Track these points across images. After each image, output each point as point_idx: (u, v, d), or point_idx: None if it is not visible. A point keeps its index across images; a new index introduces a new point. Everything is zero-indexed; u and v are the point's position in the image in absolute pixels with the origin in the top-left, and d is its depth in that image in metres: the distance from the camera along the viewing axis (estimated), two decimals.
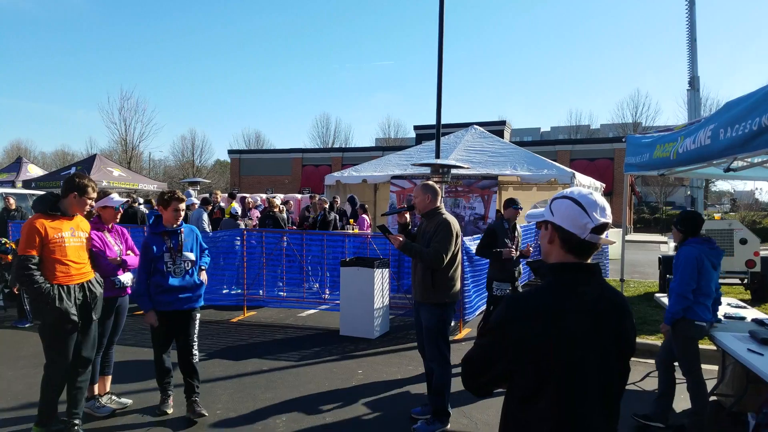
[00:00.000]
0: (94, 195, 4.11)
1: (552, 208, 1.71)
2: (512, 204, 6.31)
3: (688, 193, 12.59)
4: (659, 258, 10.80)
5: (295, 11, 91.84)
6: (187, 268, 4.48)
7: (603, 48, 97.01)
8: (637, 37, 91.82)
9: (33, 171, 18.42)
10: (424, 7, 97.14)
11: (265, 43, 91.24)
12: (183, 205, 4.51)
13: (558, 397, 1.53)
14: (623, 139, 8.42)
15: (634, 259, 16.27)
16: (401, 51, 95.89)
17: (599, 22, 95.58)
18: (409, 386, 5.38)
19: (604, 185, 16.70)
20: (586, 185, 13.81)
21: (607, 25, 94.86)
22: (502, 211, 6.49)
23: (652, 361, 6.08)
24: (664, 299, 6.07)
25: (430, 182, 4.65)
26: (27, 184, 16.08)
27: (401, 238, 4.40)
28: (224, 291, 8.80)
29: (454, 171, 10.56)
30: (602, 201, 1.66)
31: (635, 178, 30.18)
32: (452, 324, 7.10)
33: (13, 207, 10.57)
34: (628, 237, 19.05)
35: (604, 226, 1.63)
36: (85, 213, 4.34)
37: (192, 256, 4.52)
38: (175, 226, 4.47)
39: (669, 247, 11.32)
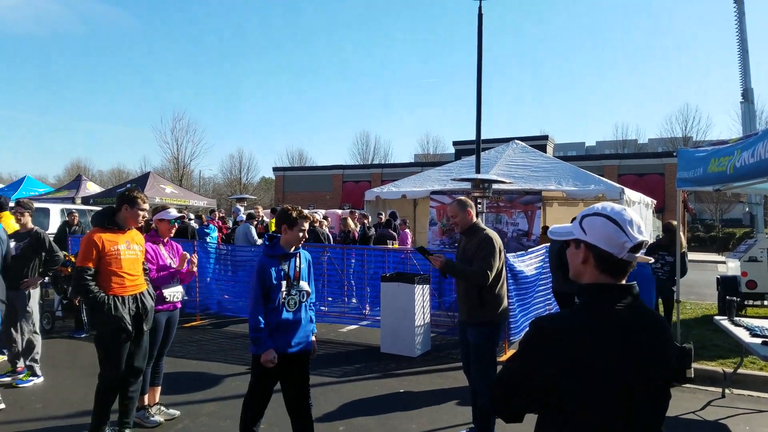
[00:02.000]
0: (146, 206, 4.25)
1: (584, 225, 1.61)
2: None
3: (747, 209, 12.04)
4: (717, 278, 10.29)
5: (338, 34, 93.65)
6: (302, 300, 3.78)
7: (649, 60, 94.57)
8: (685, 49, 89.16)
9: (91, 188, 19.29)
10: (466, 23, 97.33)
11: (308, 64, 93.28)
12: (308, 225, 3.84)
13: (584, 424, 1.45)
14: (674, 154, 8.16)
15: (689, 279, 15.57)
16: (444, 67, 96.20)
17: (645, 34, 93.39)
18: (454, 407, 5.29)
19: (654, 201, 16.18)
20: (636, 201, 13.40)
21: (653, 37, 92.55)
22: None
23: (713, 389, 5.80)
24: (725, 322, 5.80)
25: (465, 198, 4.56)
26: (86, 200, 16.85)
27: (442, 258, 4.33)
28: None
29: (495, 186, 10.46)
30: (636, 217, 1.58)
31: (688, 194, 29.13)
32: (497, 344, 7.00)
33: (76, 222, 11.10)
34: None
35: (641, 245, 1.55)
36: (143, 226, 4.54)
37: (308, 287, 3.84)
38: (294, 249, 3.78)
39: (727, 267, 10.78)
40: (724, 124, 74.24)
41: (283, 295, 3.65)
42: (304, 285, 3.78)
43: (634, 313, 1.53)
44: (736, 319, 5.85)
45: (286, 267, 3.70)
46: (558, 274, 6.60)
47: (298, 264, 3.77)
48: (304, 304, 3.78)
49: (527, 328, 1.58)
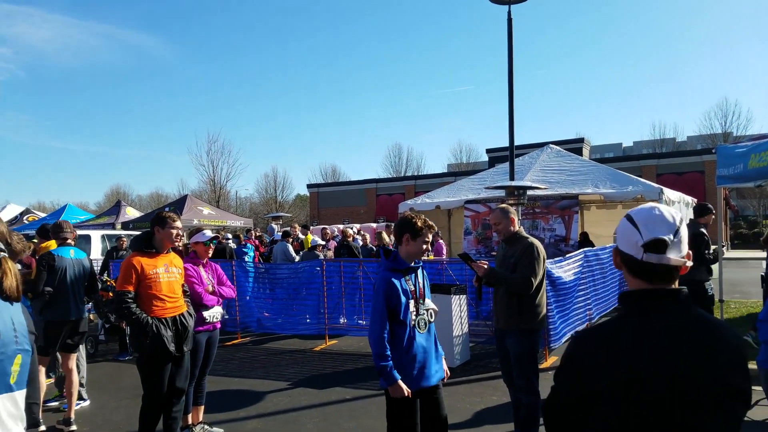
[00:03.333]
0: (177, 224, 4.32)
1: (617, 229, 1.59)
2: (708, 210, 6.65)
3: None
4: (762, 276, 9.89)
5: (367, 47, 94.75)
6: (431, 320, 3.33)
7: (685, 56, 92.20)
8: (722, 43, 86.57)
9: (131, 213, 19.91)
10: (496, 28, 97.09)
11: (337, 80, 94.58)
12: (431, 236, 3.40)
13: None
14: (713, 151, 7.91)
15: (732, 278, 15.00)
16: (475, 74, 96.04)
17: (679, 31, 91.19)
18: (494, 417, 5.21)
19: (695, 200, 15.67)
20: (675, 200, 13.01)
21: (687, 31, 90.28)
22: (699, 219, 6.72)
23: (760, 389, 5.53)
24: None
25: (507, 206, 4.55)
26: (125, 225, 17.39)
27: (486, 265, 4.28)
28: (307, 320, 9.01)
29: (530, 192, 10.32)
30: (665, 214, 1.46)
31: (729, 191, 28.14)
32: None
33: (124, 248, 11.47)
34: (725, 254, 17.70)
35: (657, 243, 1.41)
36: (181, 249, 4.65)
37: (433, 304, 3.40)
38: (414, 262, 3.33)
39: None
40: (765, 118, 71.55)
41: (413, 316, 3.20)
42: (429, 302, 3.35)
43: (680, 321, 1.40)
44: None
45: (411, 284, 3.25)
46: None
47: (421, 279, 3.35)
48: (432, 324, 3.34)
49: (569, 340, 1.52)
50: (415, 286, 3.27)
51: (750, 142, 6.75)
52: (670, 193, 12.83)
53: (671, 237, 1.44)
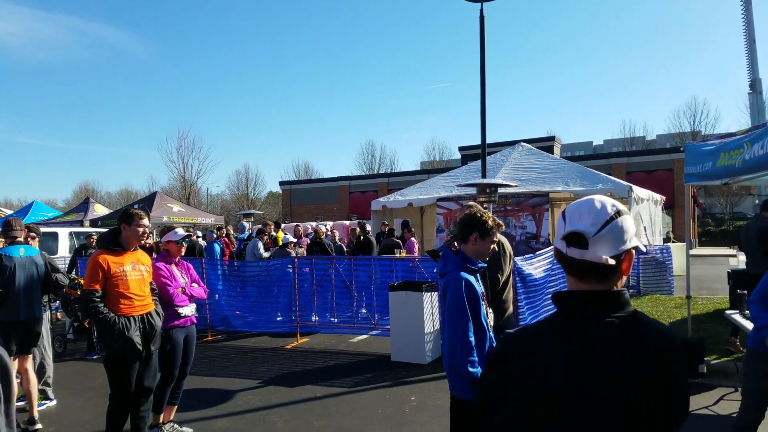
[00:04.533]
0: (144, 221, 4.25)
1: None
2: None
3: (757, 202, 11.94)
4: (728, 272, 10.18)
5: (339, 44, 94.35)
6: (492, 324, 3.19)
7: (655, 55, 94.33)
8: (692, 42, 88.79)
9: (99, 210, 19.48)
10: (468, 26, 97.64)
11: (310, 76, 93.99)
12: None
13: None
14: (682, 149, 8.11)
15: (700, 274, 15.46)
16: (447, 72, 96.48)
17: (650, 28, 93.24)
18: None
19: (664, 198, 16.07)
20: (644, 198, 13.32)
21: (658, 31, 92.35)
22: (765, 213, 6.80)
23: (726, 383, 5.73)
24: (737, 316, 5.72)
25: (473, 203, 4.60)
26: (94, 222, 17.01)
27: None
28: (278, 318, 8.96)
29: (501, 190, 10.43)
30: (597, 206, 1.33)
31: (698, 189, 28.91)
32: None
33: (93, 245, 11.19)
34: (693, 251, 18.19)
35: (574, 236, 1.29)
36: (149, 246, 4.58)
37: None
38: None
39: (738, 260, 10.66)
40: (732, 117, 73.37)
41: (489, 319, 3.02)
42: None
43: (605, 327, 1.26)
44: (748, 312, 5.78)
45: (480, 285, 3.03)
46: (755, 255, 6.73)
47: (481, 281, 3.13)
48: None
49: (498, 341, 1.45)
50: (483, 286, 3.11)
51: (718, 141, 6.93)
52: (639, 191, 13.12)
53: (594, 230, 1.28)
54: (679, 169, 30.27)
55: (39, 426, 5.06)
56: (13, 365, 5.50)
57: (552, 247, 8.78)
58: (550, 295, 8.01)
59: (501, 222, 3.14)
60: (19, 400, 5.68)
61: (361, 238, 11.01)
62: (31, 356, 5.27)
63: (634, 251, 1.33)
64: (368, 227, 11.57)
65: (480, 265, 3.01)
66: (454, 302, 2.82)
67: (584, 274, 1.31)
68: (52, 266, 5.62)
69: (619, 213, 1.32)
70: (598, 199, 1.35)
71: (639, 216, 12.62)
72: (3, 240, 5.29)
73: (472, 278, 2.90)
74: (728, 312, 6.18)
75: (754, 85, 13.62)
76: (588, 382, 1.22)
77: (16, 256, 5.16)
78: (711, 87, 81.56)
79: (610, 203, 1.33)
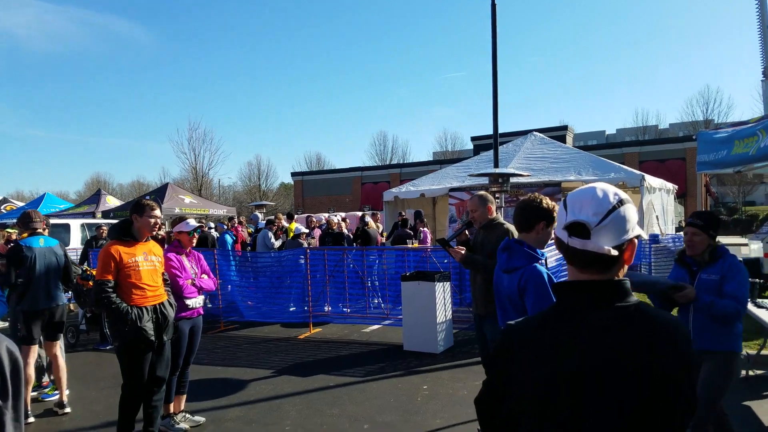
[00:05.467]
0: (156, 212, 4.24)
1: None
2: None
3: None
4: (741, 260, 10.09)
5: (351, 35, 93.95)
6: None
7: (668, 44, 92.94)
8: (704, 31, 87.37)
9: (111, 202, 19.62)
10: (480, 17, 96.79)
11: (322, 67, 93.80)
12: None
13: None
14: (694, 138, 7.99)
15: None
16: (460, 62, 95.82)
17: (662, 17, 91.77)
18: None
19: (676, 187, 15.87)
20: (657, 187, 13.15)
21: (670, 20, 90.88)
22: None
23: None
24: (748, 305, 5.65)
25: (485, 193, 4.55)
26: (106, 214, 17.15)
27: (463, 251, 4.30)
28: (291, 309, 8.99)
29: (513, 179, 10.36)
30: (599, 195, 1.29)
31: (710, 177, 28.56)
32: None
33: (104, 237, 11.29)
34: None
35: (576, 226, 1.26)
36: (161, 237, 4.60)
37: None
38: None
39: (750, 249, 10.56)
40: (746, 105, 72.48)
41: None
42: None
43: (607, 318, 1.23)
44: (759, 300, 5.72)
45: None
46: None
47: None
48: None
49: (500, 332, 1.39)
50: None
51: (730, 129, 6.80)
52: (651, 180, 12.96)
53: (596, 220, 1.25)
54: (691, 158, 29.86)
55: (68, 410, 5.24)
56: (40, 353, 5.62)
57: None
58: None
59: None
60: (34, 389, 5.77)
61: (360, 229, 11.01)
62: (59, 342, 5.42)
63: (636, 240, 1.29)
64: (368, 218, 11.53)
65: (543, 254, 2.89)
66: (543, 298, 2.69)
67: (586, 264, 1.28)
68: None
69: (621, 202, 1.29)
70: (600, 187, 1.32)
71: (651, 205, 12.47)
72: (17, 231, 5.35)
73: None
74: None
75: (767, 72, 13.41)
76: (593, 372, 1.19)
77: (36, 246, 5.24)
78: (724, 75, 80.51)
79: (612, 192, 1.30)
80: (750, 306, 5.56)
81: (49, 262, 5.27)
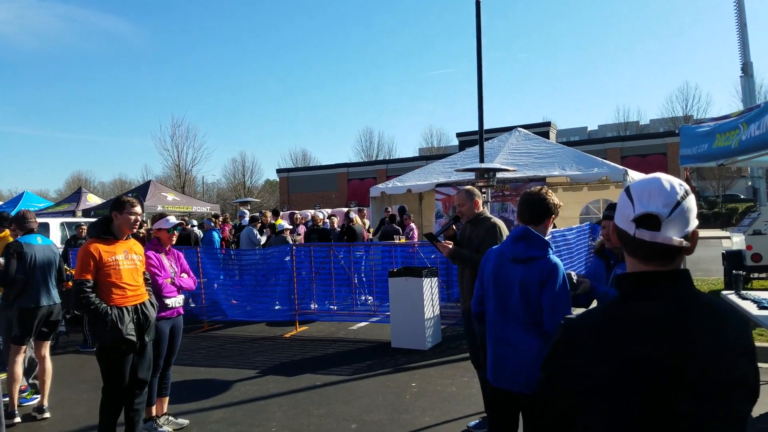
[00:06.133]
0: (136, 209, 4.12)
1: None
2: None
3: (749, 184, 11.96)
4: (723, 253, 10.27)
5: (336, 30, 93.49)
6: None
7: (648, 41, 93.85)
8: (684, 27, 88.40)
9: (92, 200, 19.27)
10: (464, 13, 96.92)
11: (307, 63, 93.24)
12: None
13: None
14: (676, 132, 8.04)
15: (695, 256, 15.41)
16: (445, 59, 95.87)
17: (642, 14, 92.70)
18: (465, 398, 5.21)
19: None
20: None
21: (650, 17, 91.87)
22: None
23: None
24: (732, 297, 5.70)
25: (472, 187, 4.50)
26: (86, 212, 16.84)
27: (450, 246, 4.27)
28: (276, 307, 8.88)
29: (499, 175, 10.35)
30: (666, 186, 1.28)
31: (690, 172, 28.96)
32: None
33: (83, 236, 11.06)
34: None
35: (648, 218, 1.24)
36: (143, 235, 4.49)
37: None
38: None
39: (732, 241, 10.74)
40: (724, 101, 73.52)
41: None
42: None
43: (677, 306, 1.24)
44: (743, 292, 5.77)
45: None
46: None
47: None
48: None
49: (558, 327, 1.37)
50: None
51: (712, 123, 6.85)
52: (634, 175, 13.03)
53: (667, 211, 1.25)
54: (672, 152, 30.26)
55: (48, 414, 5.12)
56: (28, 352, 5.50)
57: (551, 231, 8.72)
58: None
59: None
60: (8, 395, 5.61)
61: (345, 226, 10.92)
62: (49, 342, 5.42)
63: (698, 231, 1.30)
64: (353, 215, 11.43)
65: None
66: (563, 289, 2.74)
67: (652, 256, 1.27)
68: None
69: (687, 193, 1.29)
70: (665, 178, 1.31)
71: None
72: (8, 232, 5.36)
73: None
74: (724, 292, 6.15)
75: (746, 68, 13.56)
76: (676, 362, 1.19)
77: (34, 244, 5.28)
78: (702, 72, 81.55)
79: (677, 183, 1.30)
80: (734, 297, 5.61)
81: (48, 260, 5.31)
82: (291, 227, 10.96)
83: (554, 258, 2.82)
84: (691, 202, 1.30)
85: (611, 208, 3.46)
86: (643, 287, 1.27)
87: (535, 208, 2.92)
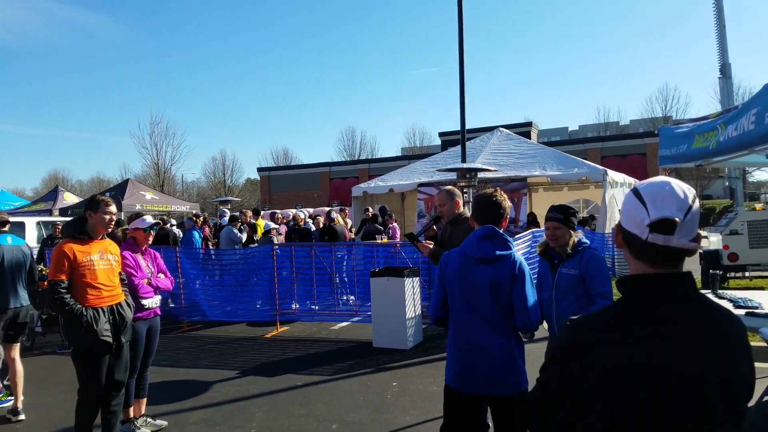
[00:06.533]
0: (111, 208, 4.05)
1: (622, 203, 1.41)
2: None
3: (726, 184, 12.19)
4: (700, 253, 10.44)
5: (319, 30, 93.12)
6: None
7: (629, 42, 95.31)
8: (664, 28, 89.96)
9: (69, 199, 18.92)
10: (446, 13, 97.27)
11: (290, 60, 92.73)
12: None
13: None
14: (656, 132, 8.15)
15: None
16: (428, 58, 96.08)
17: (622, 15, 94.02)
18: None
19: (637, 181, 16.23)
20: (619, 182, 13.42)
21: (630, 18, 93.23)
22: None
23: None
24: (709, 296, 5.80)
25: (452, 188, 4.51)
26: (63, 211, 16.53)
27: (431, 246, 4.27)
28: (258, 306, 8.80)
29: (481, 174, 10.39)
30: (677, 190, 1.28)
31: (669, 172, 29.42)
32: None
33: (59, 235, 10.85)
34: None
35: (665, 222, 1.24)
36: (120, 235, 4.42)
37: None
38: None
39: (709, 241, 10.93)
40: (702, 102, 75.03)
41: None
42: None
43: (685, 309, 1.26)
44: (720, 291, 5.88)
45: None
46: None
47: None
48: None
49: (562, 332, 1.36)
50: None
51: (691, 123, 6.96)
52: (614, 175, 13.22)
53: (681, 216, 1.26)
54: (651, 153, 30.74)
55: (23, 417, 5.02)
56: (1, 354, 5.36)
57: (531, 231, 8.79)
58: None
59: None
60: None
61: (326, 225, 10.87)
62: (18, 345, 5.31)
63: (701, 234, 1.34)
64: (334, 214, 11.38)
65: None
66: (531, 285, 2.80)
67: (663, 260, 1.29)
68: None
69: (695, 197, 1.32)
70: (674, 182, 1.32)
71: (614, 199, 12.72)
72: None
73: None
74: (701, 292, 6.26)
75: (724, 69, 13.81)
76: (684, 365, 1.21)
77: (4, 244, 5.14)
78: (682, 73, 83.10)
79: (686, 187, 1.31)
80: (711, 297, 5.71)
81: (17, 260, 5.18)
82: (276, 227, 10.88)
83: (518, 255, 2.84)
84: (698, 206, 1.32)
85: (556, 209, 3.53)
86: (652, 290, 1.28)
87: (494, 208, 2.90)
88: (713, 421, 1.21)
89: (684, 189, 1.30)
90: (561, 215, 3.49)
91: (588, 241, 3.54)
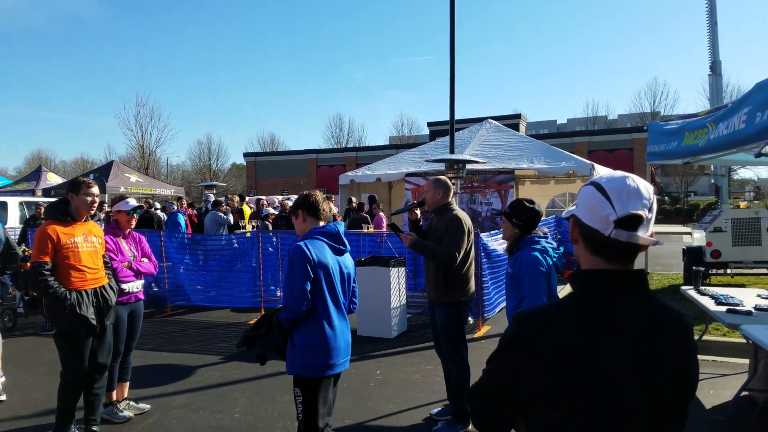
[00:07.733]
0: (93, 190, 4.01)
1: (578, 197, 1.38)
2: None
3: (712, 181, 12.35)
4: (683, 249, 10.58)
5: (308, 15, 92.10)
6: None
7: (619, 36, 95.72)
8: (655, 24, 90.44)
9: (52, 179, 18.66)
10: (436, 3, 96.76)
11: (278, 45, 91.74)
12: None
13: None
14: (645, 128, 8.23)
15: (656, 250, 15.88)
16: (418, 47, 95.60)
17: (614, 9, 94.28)
18: (429, 386, 5.27)
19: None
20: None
21: (622, 12, 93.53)
22: None
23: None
24: (691, 292, 5.89)
25: (442, 177, 4.51)
26: (47, 192, 16.30)
27: (412, 236, 4.28)
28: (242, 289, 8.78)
29: (469, 166, 10.42)
30: (641, 186, 1.27)
31: (656, 168, 29.73)
32: (471, 322, 7.00)
33: (42, 215, 10.70)
34: None
35: (633, 218, 1.22)
36: (103, 217, 4.36)
37: None
38: None
39: (693, 237, 11.09)
40: (690, 99, 75.78)
41: None
42: None
43: (639, 306, 1.25)
44: (702, 288, 5.97)
45: None
46: None
47: None
48: None
49: (510, 324, 1.34)
50: None
51: (680, 120, 7.03)
52: (601, 169, 13.31)
53: (646, 213, 1.25)
54: (638, 148, 30.98)
55: (4, 397, 4.99)
56: None
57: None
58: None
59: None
60: None
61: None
62: None
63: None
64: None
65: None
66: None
67: (620, 256, 1.27)
68: (6, 239, 5.42)
69: (654, 195, 1.31)
70: (636, 178, 1.30)
71: None
72: None
73: None
74: (683, 288, 6.36)
75: (715, 67, 13.89)
76: (633, 362, 1.21)
77: None
78: (670, 69, 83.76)
79: (646, 183, 1.30)
80: (693, 293, 5.80)
81: None
82: (276, 212, 10.83)
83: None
84: (655, 204, 1.32)
85: (510, 203, 3.48)
86: (607, 285, 1.26)
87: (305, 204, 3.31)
88: (663, 418, 1.22)
89: (645, 184, 1.29)
90: (508, 209, 3.40)
91: (541, 241, 3.33)
